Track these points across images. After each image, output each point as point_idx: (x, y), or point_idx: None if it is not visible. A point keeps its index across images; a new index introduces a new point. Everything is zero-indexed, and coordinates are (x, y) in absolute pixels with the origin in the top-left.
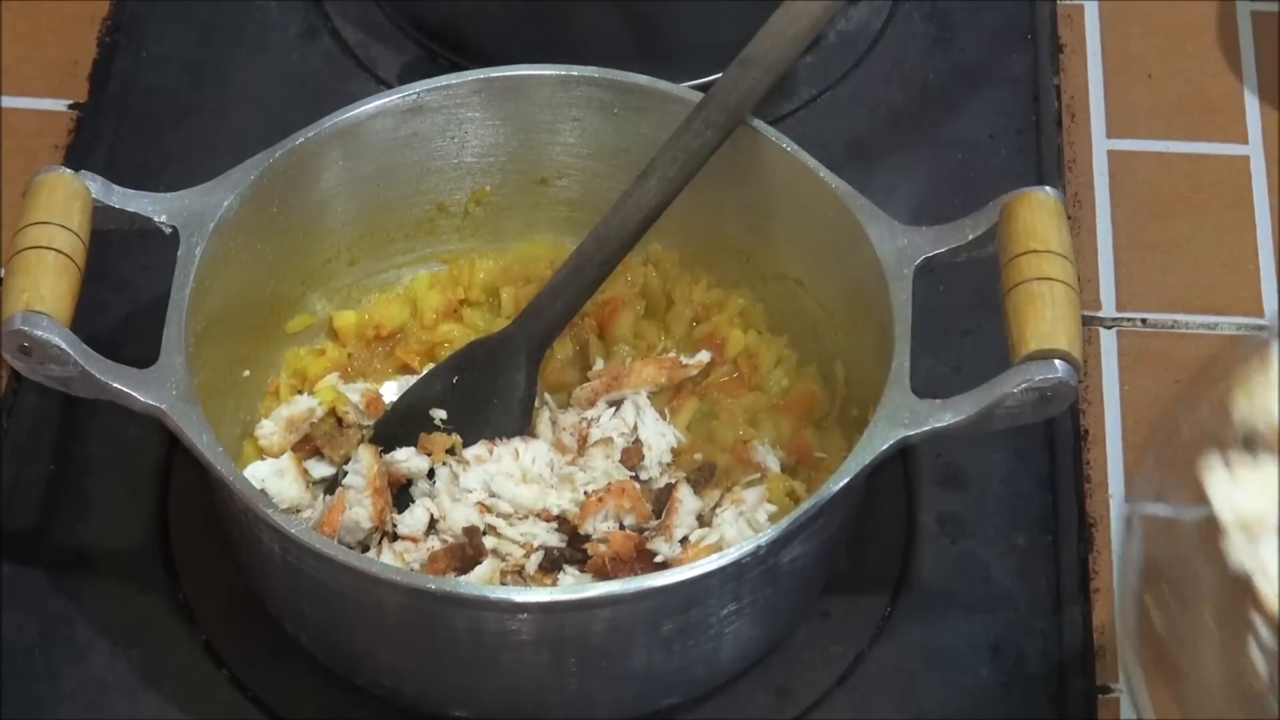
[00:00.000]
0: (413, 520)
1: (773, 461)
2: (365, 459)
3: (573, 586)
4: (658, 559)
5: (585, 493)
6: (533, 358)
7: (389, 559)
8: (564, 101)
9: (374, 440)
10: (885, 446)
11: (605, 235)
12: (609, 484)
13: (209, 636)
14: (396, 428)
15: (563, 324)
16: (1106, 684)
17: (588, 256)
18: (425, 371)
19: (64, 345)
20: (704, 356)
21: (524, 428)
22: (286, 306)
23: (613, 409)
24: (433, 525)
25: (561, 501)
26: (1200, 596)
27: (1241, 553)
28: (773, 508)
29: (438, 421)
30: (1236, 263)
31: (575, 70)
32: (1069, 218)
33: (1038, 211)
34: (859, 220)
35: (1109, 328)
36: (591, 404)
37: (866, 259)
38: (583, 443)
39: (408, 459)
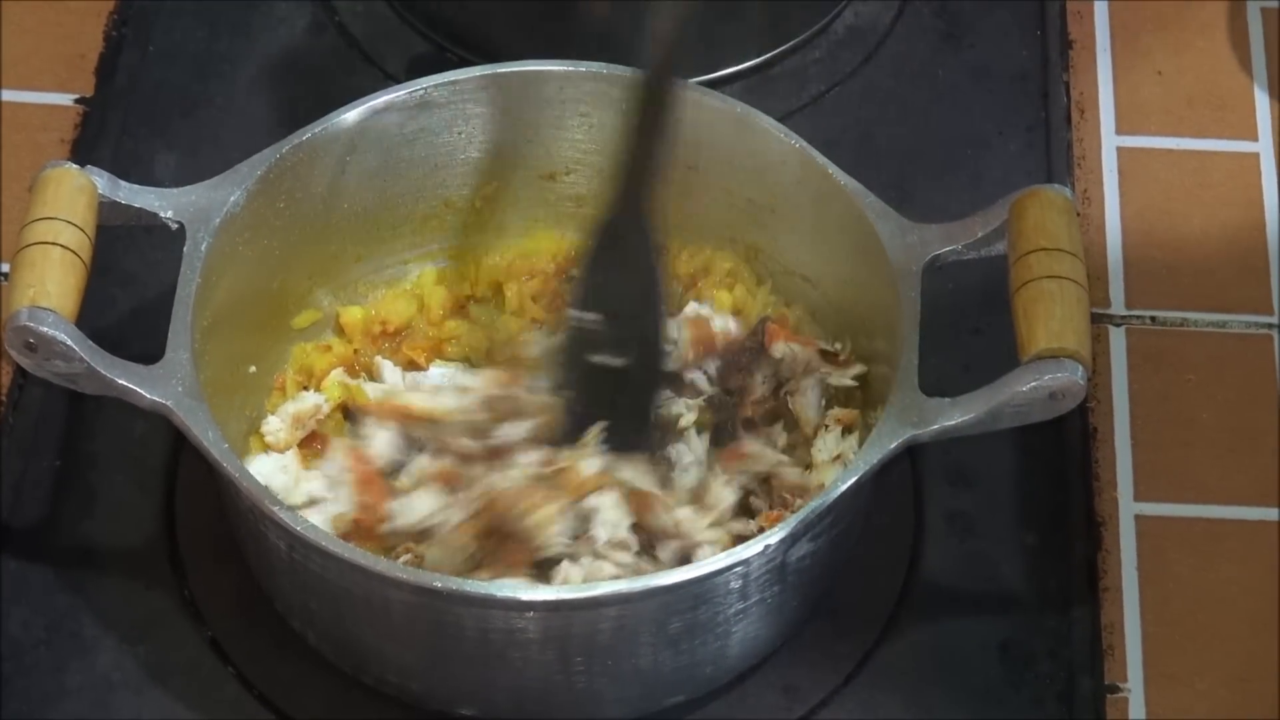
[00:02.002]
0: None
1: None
2: (339, 458)
3: (580, 585)
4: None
5: None
6: (643, 227)
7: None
8: (571, 97)
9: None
10: (894, 445)
11: (651, 82)
12: None
13: (215, 633)
14: (568, 357)
15: (654, 183)
16: (1115, 683)
17: (644, 109)
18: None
19: (70, 341)
20: (693, 308)
21: (660, 303)
22: (293, 302)
23: None
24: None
25: None
26: None
27: None
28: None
29: (589, 324)
30: (1246, 260)
31: (583, 66)
32: (1078, 215)
33: (1047, 209)
34: (868, 217)
35: (1118, 325)
36: None
37: (875, 256)
38: None
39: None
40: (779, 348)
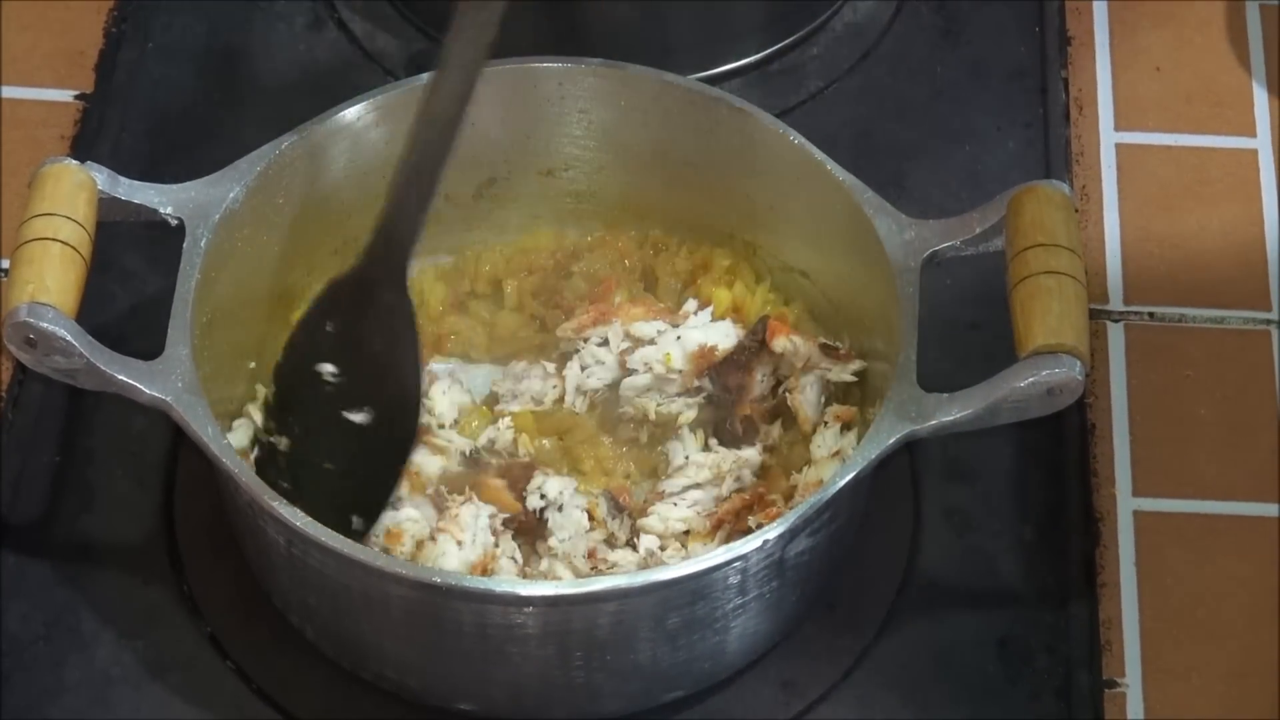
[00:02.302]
0: None
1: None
2: None
3: (578, 580)
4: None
5: None
6: (399, 287)
7: None
8: (570, 94)
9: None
10: (892, 440)
11: (424, 138)
12: None
13: (214, 629)
14: (290, 391)
15: (413, 243)
16: (1113, 678)
17: (416, 170)
18: (296, 324)
19: (69, 337)
20: (691, 305)
21: (415, 363)
22: (292, 298)
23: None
24: None
25: None
26: None
27: None
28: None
29: (327, 376)
30: (1245, 256)
31: (582, 63)
32: (1076, 211)
33: (1045, 205)
34: (866, 213)
35: (1116, 321)
36: (580, 336)
37: (873, 252)
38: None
39: None
40: (780, 342)
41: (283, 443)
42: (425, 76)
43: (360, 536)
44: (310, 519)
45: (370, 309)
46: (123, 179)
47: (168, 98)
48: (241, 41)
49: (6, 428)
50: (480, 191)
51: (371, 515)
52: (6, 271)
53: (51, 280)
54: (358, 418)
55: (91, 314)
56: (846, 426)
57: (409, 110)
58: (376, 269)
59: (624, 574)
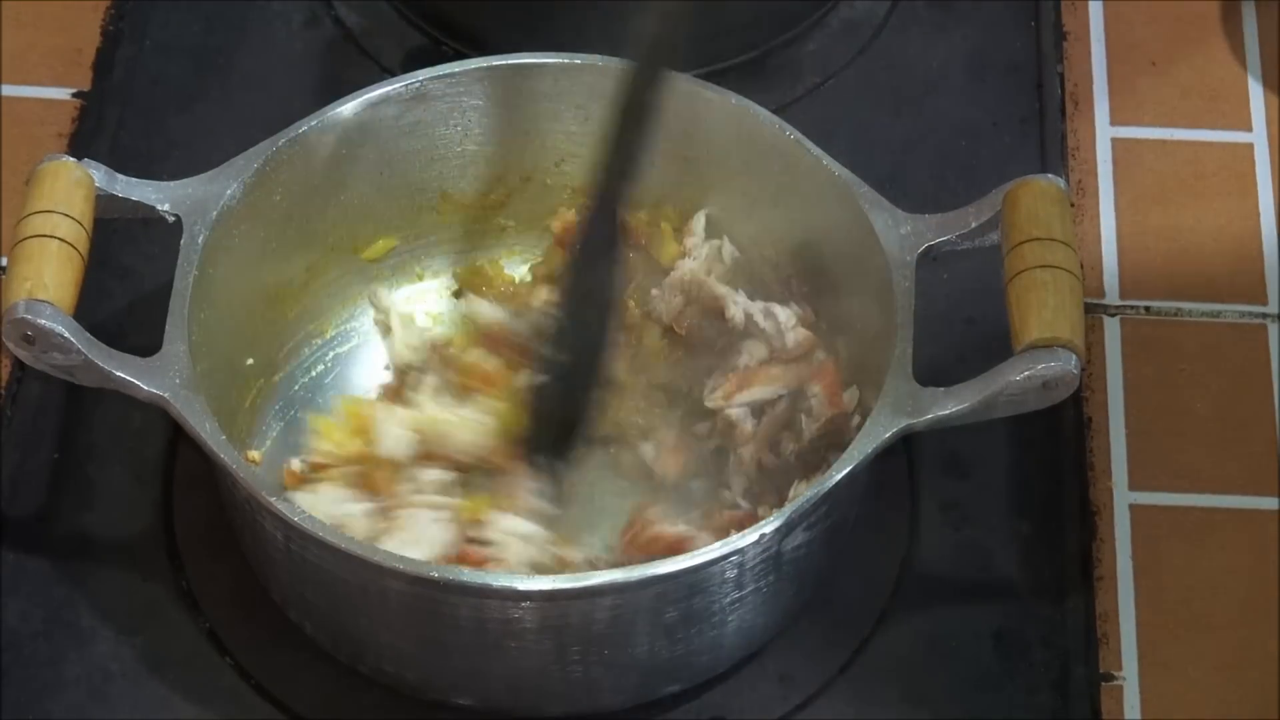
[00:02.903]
0: None
1: None
2: None
3: (576, 575)
4: None
5: None
6: (610, 229)
7: None
8: (567, 89)
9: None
10: (888, 435)
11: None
12: None
13: (212, 624)
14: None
15: (627, 188)
16: (1110, 671)
17: (625, 110)
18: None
19: (67, 334)
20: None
21: (613, 320)
22: (290, 294)
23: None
24: None
25: None
26: None
27: None
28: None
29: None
30: (1240, 251)
31: (579, 58)
32: (1072, 205)
33: (1041, 199)
34: (862, 208)
35: (1112, 315)
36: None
37: (869, 246)
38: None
39: None
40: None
41: None
42: (423, 73)
43: (551, 471)
44: (308, 514)
45: (595, 255)
46: (120, 176)
47: (165, 95)
48: (238, 39)
49: (5, 424)
50: (479, 188)
51: (561, 453)
52: (4, 269)
53: (49, 277)
54: (556, 358)
55: (89, 311)
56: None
57: (406, 107)
58: (592, 228)
59: (621, 569)
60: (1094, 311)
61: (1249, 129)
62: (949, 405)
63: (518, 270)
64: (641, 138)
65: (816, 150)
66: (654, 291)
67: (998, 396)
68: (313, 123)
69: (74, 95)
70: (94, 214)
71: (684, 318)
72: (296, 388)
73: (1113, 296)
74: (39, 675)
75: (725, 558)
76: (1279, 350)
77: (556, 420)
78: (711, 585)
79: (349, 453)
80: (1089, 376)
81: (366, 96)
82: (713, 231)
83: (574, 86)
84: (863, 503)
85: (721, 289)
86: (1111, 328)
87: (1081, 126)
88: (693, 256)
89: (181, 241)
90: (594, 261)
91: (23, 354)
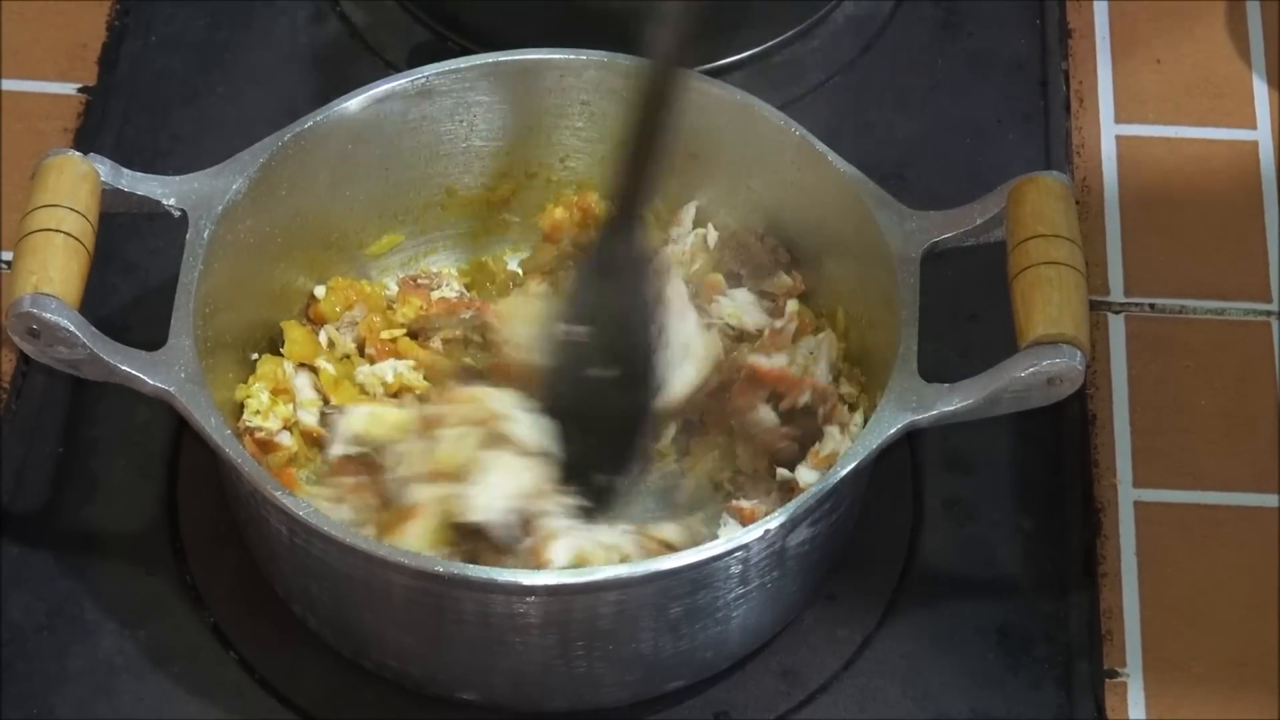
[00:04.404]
0: None
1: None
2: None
3: (580, 570)
4: None
5: None
6: (634, 241)
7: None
8: (572, 85)
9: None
10: (892, 430)
11: (649, 98)
12: None
13: (217, 618)
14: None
15: (648, 198)
16: (1114, 668)
17: (639, 140)
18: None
19: (72, 328)
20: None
21: (656, 317)
22: (295, 289)
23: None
24: None
25: None
26: None
27: None
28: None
29: (577, 337)
30: (1245, 248)
31: (583, 54)
32: (1077, 203)
33: (1045, 196)
34: (867, 205)
35: (1117, 313)
36: None
37: (874, 243)
38: None
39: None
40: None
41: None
42: (428, 69)
43: (606, 492)
44: (312, 508)
45: (613, 271)
46: (125, 171)
47: (170, 90)
48: (243, 34)
49: (10, 418)
50: (484, 184)
51: (617, 470)
52: (10, 263)
53: (55, 271)
54: (605, 374)
55: (94, 305)
56: (852, 407)
57: (411, 103)
58: (615, 236)
59: (625, 564)
60: (1098, 308)
61: (1253, 126)
62: (953, 401)
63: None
64: (663, 144)
65: (822, 147)
66: None
67: (1002, 393)
68: (318, 118)
69: (79, 90)
70: (99, 208)
71: None
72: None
73: (1117, 293)
74: (42, 669)
75: (730, 553)
76: None
77: (604, 437)
78: (716, 581)
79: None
80: (1093, 373)
81: (372, 92)
82: (699, 223)
83: (579, 83)
84: (867, 499)
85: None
86: (1116, 324)
87: (1086, 124)
88: (676, 242)
89: (187, 236)
90: (622, 274)
91: (28, 348)
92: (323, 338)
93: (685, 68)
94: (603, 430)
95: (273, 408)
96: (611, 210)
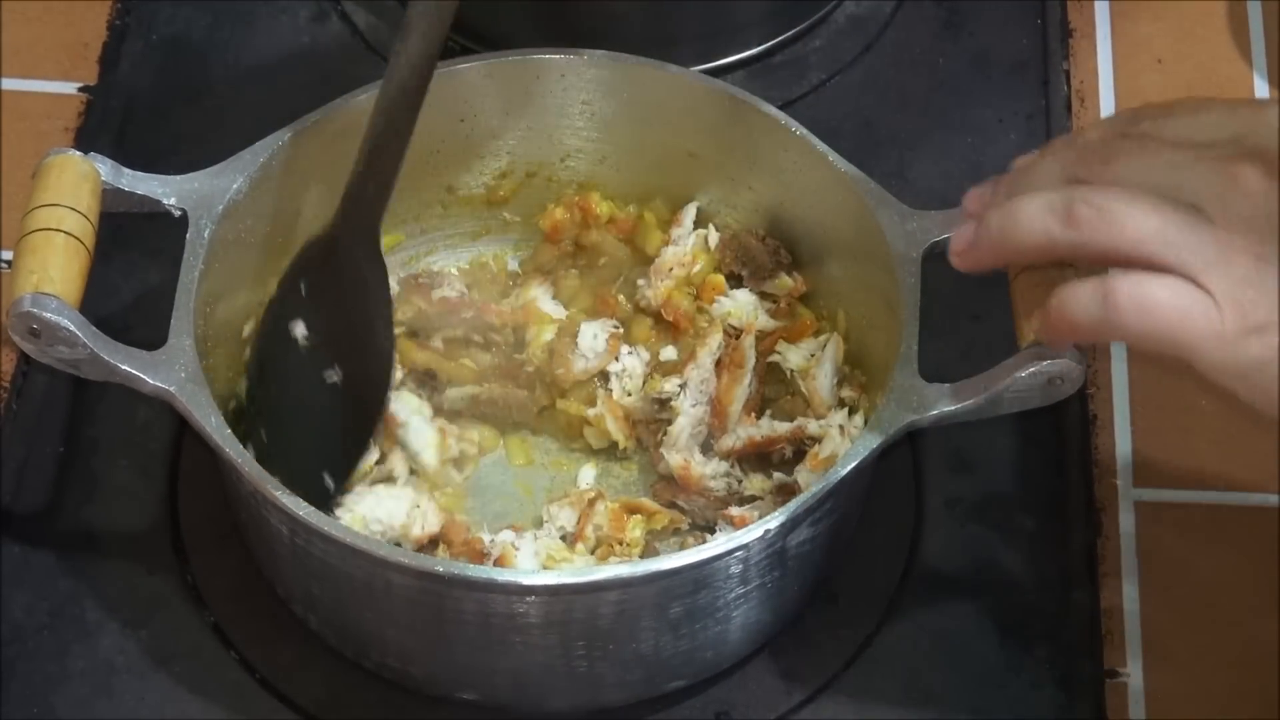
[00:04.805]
0: None
1: None
2: None
3: (581, 569)
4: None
5: None
6: (370, 248)
7: None
8: (573, 85)
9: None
10: (893, 430)
11: (391, 104)
12: None
13: (217, 618)
14: (267, 351)
15: (384, 204)
16: (1114, 668)
17: (382, 130)
18: (276, 286)
19: (73, 327)
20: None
21: (388, 323)
22: None
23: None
24: None
25: None
26: None
27: None
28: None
29: (300, 337)
30: None
31: (584, 54)
32: None
33: None
34: (868, 204)
35: None
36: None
37: (875, 243)
38: None
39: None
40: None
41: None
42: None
43: (329, 495)
44: (312, 508)
45: (342, 270)
46: (126, 170)
47: (171, 90)
48: (245, 34)
49: (10, 418)
50: (484, 184)
51: (341, 474)
52: (10, 262)
53: (55, 271)
54: (331, 378)
55: (95, 305)
56: (853, 410)
57: None
58: (347, 231)
59: (626, 563)
60: None
61: None
62: (954, 401)
63: None
64: (404, 151)
65: (822, 147)
66: (640, 282)
67: (1003, 393)
68: (318, 118)
69: (80, 90)
70: (100, 208)
71: (672, 304)
72: None
73: None
74: (43, 669)
75: (730, 553)
76: None
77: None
78: (716, 580)
79: None
80: (1094, 373)
81: (373, 92)
82: (700, 223)
83: (580, 82)
84: (867, 498)
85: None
86: None
87: (1087, 124)
88: (676, 243)
89: (187, 236)
90: (355, 282)
91: (28, 347)
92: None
93: (430, 72)
94: (330, 433)
95: None
96: (346, 206)
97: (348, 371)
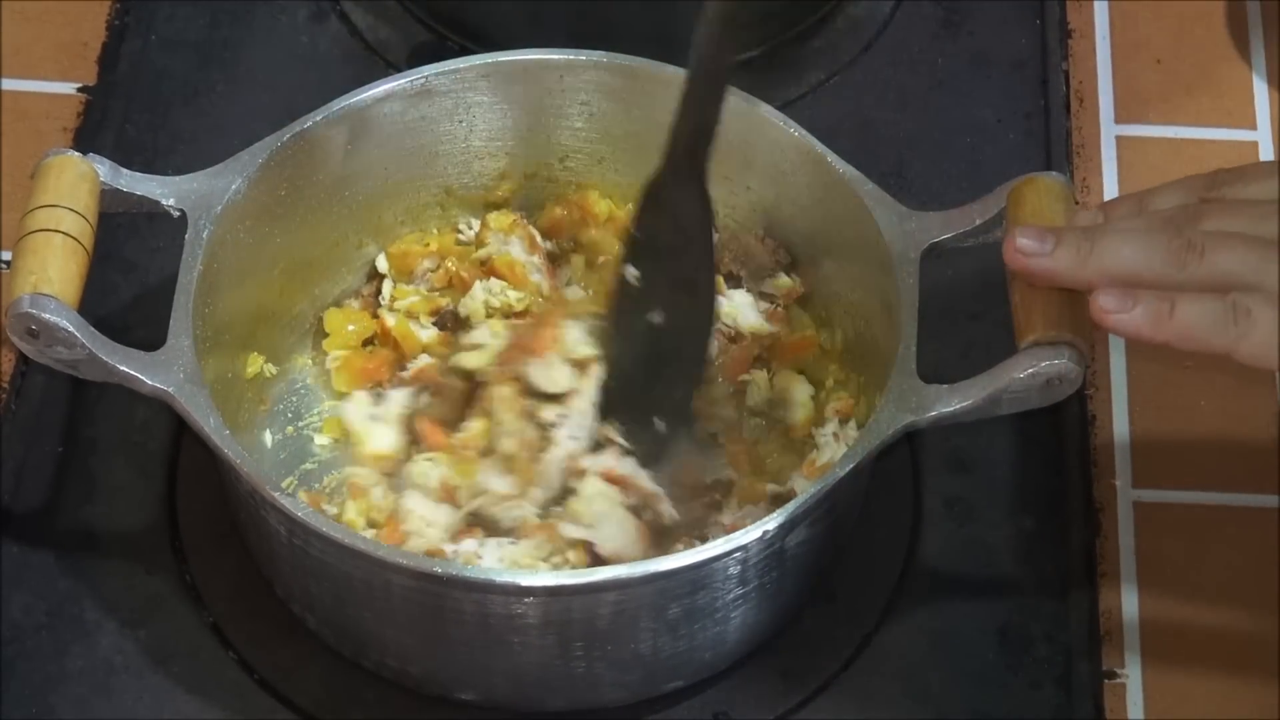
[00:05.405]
0: None
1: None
2: None
3: (579, 570)
4: None
5: None
6: (695, 186)
7: None
8: (572, 86)
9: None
10: (892, 431)
11: (705, 39)
12: None
13: (216, 618)
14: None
15: (707, 144)
16: (1113, 668)
17: (696, 66)
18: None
19: (71, 328)
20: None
21: (710, 263)
22: (295, 289)
23: None
24: None
25: None
26: None
27: None
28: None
29: (631, 279)
30: None
31: (583, 55)
32: (1076, 203)
33: (1045, 196)
34: (867, 205)
35: None
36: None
37: (874, 243)
38: None
39: None
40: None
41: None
42: (428, 69)
43: (665, 438)
44: (311, 509)
45: (666, 211)
46: (125, 171)
47: (170, 90)
48: (244, 33)
49: (9, 418)
50: (483, 184)
51: (676, 418)
52: (9, 263)
53: (54, 271)
54: (655, 319)
55: (94, 305)
56: (845, 420)
57: (410, 103)
58: (671, 172)
59: (625, 565)
60: None
61: (1254, 127)
62: (953, 402)
63: None
64: (722, 97)
65: (822, 147)
66: None
67: (1001, 393)
68: (318, 118)
69: (79, 90)
70: (99, 208)
71: None
72: (301, 383)
73: None
74: (42, 669)
75: (728, 554)
76: None
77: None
78: (715, 581)
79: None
80: (1093, 374)
81: (372, 92)
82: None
83: (579, 83)
84: (866, 499)
85: None
86: None
87: (1086, 124)
88: None
89: (186, 236)
90: (680, 226)
91: (27, 348)
92: (385, 290)
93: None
94: (658, 378)
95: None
96: (674, 148)
97: (671, 314)
